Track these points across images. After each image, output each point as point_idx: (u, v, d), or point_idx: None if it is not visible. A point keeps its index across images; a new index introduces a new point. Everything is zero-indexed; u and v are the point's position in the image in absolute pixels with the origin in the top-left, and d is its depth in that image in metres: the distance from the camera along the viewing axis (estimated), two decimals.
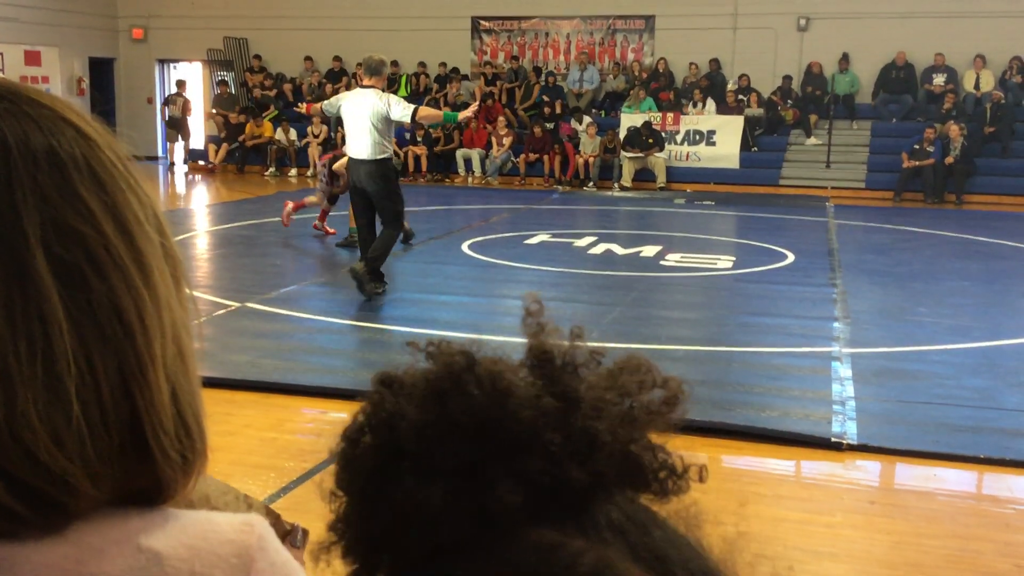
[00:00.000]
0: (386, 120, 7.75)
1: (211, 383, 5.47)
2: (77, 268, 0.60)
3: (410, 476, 0.53)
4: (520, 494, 0.51)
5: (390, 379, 0.57)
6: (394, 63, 20.62)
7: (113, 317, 0.60)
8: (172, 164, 21.62)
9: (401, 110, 7.76)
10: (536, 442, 0.52)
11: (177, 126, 21.25)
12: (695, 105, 18.84)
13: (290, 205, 11.49)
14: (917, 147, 16.91)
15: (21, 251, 0.58)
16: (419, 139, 18.88)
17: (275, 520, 1.16)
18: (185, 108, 21.32)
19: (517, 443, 0.52)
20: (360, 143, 7.78)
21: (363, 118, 7.74)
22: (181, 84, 21.75)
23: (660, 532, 0.54)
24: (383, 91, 7.91)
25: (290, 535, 0.98)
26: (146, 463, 0.62)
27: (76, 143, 0.62)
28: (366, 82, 7.95)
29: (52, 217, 0.59)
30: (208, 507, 0.91)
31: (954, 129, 16.74)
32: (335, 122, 19.79)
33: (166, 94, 23.46)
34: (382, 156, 7.79)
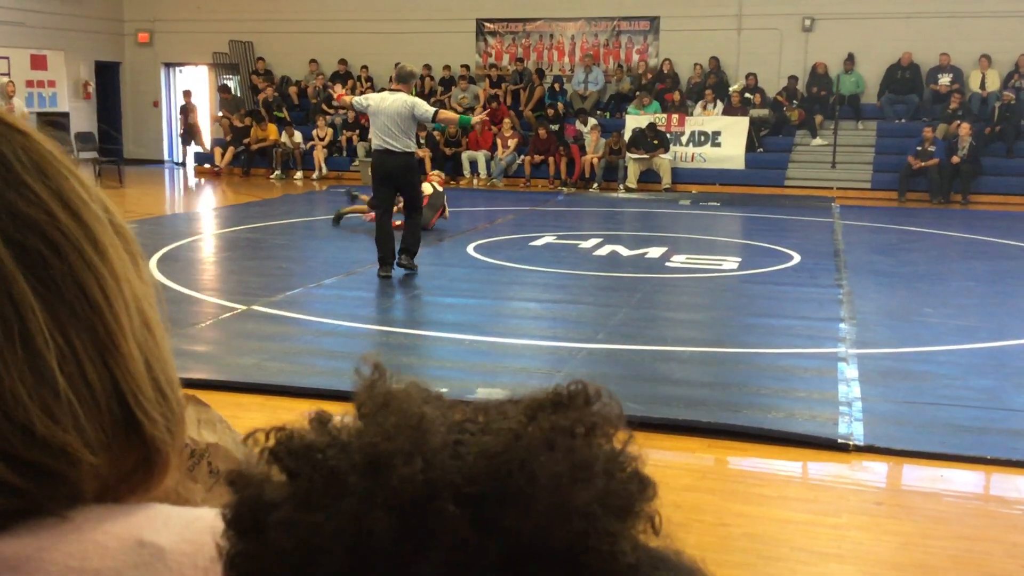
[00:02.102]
0: (411, 118, 8.82)
1: (217, 386, 5.49)
2: (36, 251, 0.62)
3: None
4: None
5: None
6: (398, 65, 20.64)
7: (79, 294, 0.63)
8: (184, 165, 22.09)
9: (423, 110, 8.87)
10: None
11: (193, 133, 21.80)
12: (705, 106, 18.83)
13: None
14: (919, 148, 16.88)
15: None
16: (423, 141, 18.90)
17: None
18: (196, 115, 21.97)
19: None
20: (390, 138, 8.81)
21: (392, 116, 8.77)
22: (187, 94, 22.13)
23: None
24: (408, 95, 8.95)
25: None
26: (134, 430, 0.64)
27: (12, 138, 0.65)
28: (394, 86, 9.12)
29: (5, 207, 0.62)
30: (232, 459, 0.94)
31: (964, 128, 16.70)
32: (345, 121, 19.87)
33: (171, 99, 23.58)
34: (410, 150, 8.91)
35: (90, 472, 0.61)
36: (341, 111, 20.10)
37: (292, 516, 0.45)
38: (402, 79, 9.08)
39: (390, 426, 0.47)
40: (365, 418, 0.49)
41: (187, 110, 21.87)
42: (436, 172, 13.55)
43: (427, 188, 12.02)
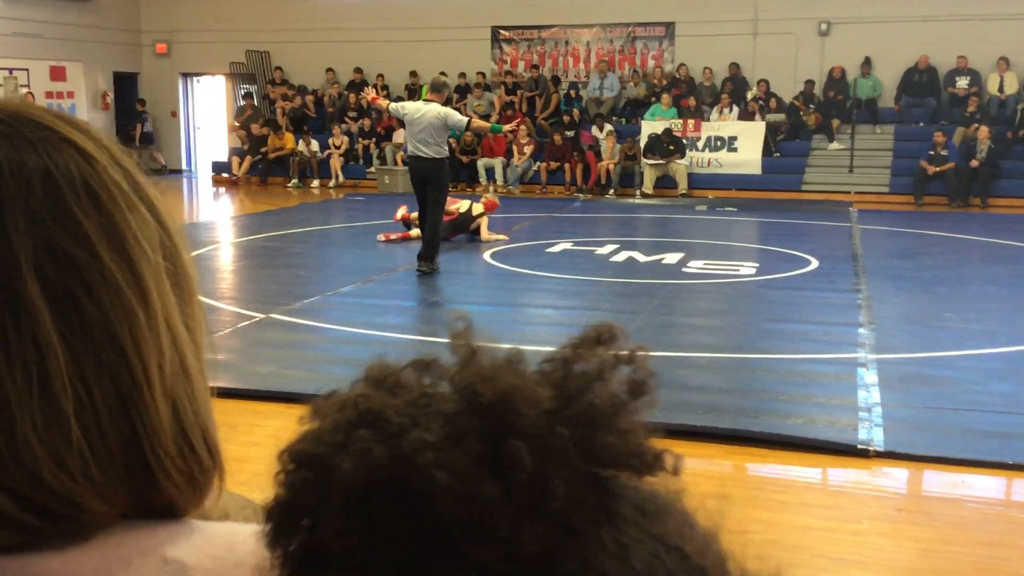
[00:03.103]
0: (443, 128, 9.49)
1: (236, 394, 5.51)
2: (70, 293, 0.59)
3: None
4: None
5: (305, 459, 0.52)
6: (413, 73, 20.74)
7: (107, 340, 0.60)
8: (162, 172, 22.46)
9: (457, 120, 9.60)
10: (475, 532, 0.47)
11: (150, 140, 22.23)
12: (722, 111, 18.78)
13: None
14: (932, 153, 16.79)
15: (13, 277, 0.58)
16: None
17: None
18: (152, 124, 22.57)
19: (453, 540, 0.47)
20: (423, 145, 9.48)
21: (427, 126, 9.42)
22: (142, 102, 22.65)
23: (650, 565, 0.48)
24: (441, 105, 9.62)
25: None
26: (152, 482, 0.63)
27: (74, 163, 0.62)
28: (429, 96, 9.77)
29: (45, 241, 0.59)
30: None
31: (983, 131, 16.60)
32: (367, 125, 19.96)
33: (190, 109, 23.79)
34: (440, 156, 9.56)
35: (100, 516, 0.60)
36: (358, 120, 20.20)
37: (442, 458, 0.48)
38: (436, 89, 9.81)
39: (490, 367, 0.52)
40: (466, 362, 0.53)
41: (141, 119, 22.14)
42: (489, 197, 13.09)
43: (463, 204, 11.98)
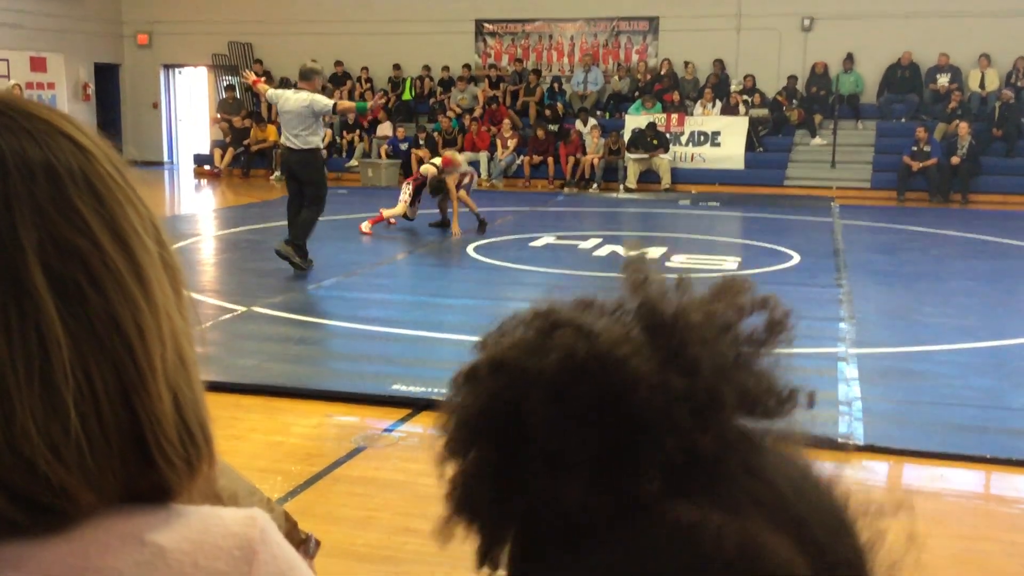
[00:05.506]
0: (311, 116, 8.94)
1: (217, 387, 5.48)
2: (74, 282, 0.60)
3: (543, 467, 0.54)
4: (657, 478, 0.52)
5: (502, 364, 0.57)
6: (396, 67, 20.69)
7: (111, 329, 0.61)
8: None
9: (323, 105, 9.00)
10: (666, 422, 0.53)
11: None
12: (705, 106, 18.82)
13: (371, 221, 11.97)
14: (915, 148, 16.88)
15: (19, 266, 0.59)
16: (422, 142, 18.91)
17: (292, 527, 1.18)
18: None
19: (648, 427, 0.53)
20: (291, 135, 8.99)
21: (293, 114, 8.95)
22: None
23: (792, 488, 0.56)
24: (311, 92, 9.06)
25: (304, 544, 0.99)
26: (149, 469, 0.63)
27: (73, 156, 0.63)
28: (300, 85, 9.24)
29: (50, 232, 0.60)
30: (235, 505, 0.94)
31: (963, 128, 16.70)
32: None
33: (171, 100, 23.62)
34: (308, 147, 9.01)
35: (86, 506, 0.61)
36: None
37: (639, 350, 0.55)
38: (305, 77, 9.25)
39: (663, 289, 0.61)
40: (641, 285, 0.62)
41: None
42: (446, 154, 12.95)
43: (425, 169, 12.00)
